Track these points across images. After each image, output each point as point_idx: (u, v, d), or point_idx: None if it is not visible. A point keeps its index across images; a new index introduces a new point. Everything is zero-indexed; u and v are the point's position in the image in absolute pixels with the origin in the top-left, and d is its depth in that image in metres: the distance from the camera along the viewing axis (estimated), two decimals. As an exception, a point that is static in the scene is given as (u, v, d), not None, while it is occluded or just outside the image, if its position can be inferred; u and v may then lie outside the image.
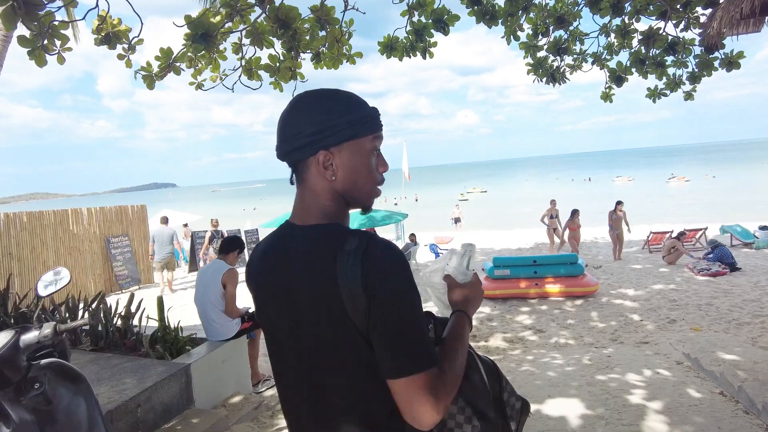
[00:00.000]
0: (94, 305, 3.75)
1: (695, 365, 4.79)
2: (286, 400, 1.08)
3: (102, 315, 3.69)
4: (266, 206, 59.19)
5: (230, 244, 3.92)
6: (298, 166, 1.05)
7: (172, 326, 3.69)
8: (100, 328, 3.67)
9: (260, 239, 11.72)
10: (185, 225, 13.32)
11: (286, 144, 1.03)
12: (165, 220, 11.52)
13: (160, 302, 3.76)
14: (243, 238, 15.45)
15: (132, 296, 3.99)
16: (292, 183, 1.09)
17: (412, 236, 12.86)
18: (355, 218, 11.19)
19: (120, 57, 4.72)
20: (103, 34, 4.61)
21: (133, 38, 4.65)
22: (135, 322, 4.00)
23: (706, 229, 12.86)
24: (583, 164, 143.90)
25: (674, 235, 11.48)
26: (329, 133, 0.99)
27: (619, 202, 12.12)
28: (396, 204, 48.64)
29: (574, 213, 12.45)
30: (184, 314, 8.47)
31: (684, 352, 5.26)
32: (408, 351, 0.89)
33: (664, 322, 7.11)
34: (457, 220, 20.75)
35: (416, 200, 51.91)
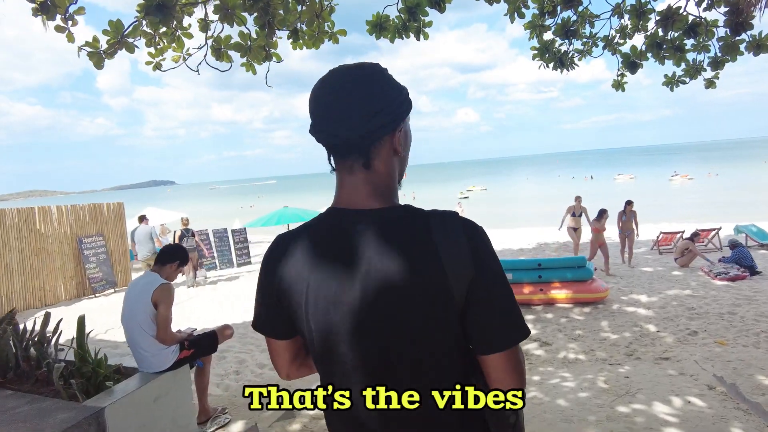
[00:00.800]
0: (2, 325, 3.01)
1: (733, 393, 4.06)
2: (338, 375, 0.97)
3: (12, 339, 2.96)
4: (264, 204, 58.41)
5: (168, 255, 3.14)
6: (370, 149, 0.96)
7: (93, 353, 2.95)
8: (9, 356, 2.93)
9: (248, 238, 10.75)
10: (162, 225, 12.60)
11: (360, 126, 0.92)
12: (143, 219, 10.82)
13: (81, 323, 3.01)
14: (230, 238, 14.78)
15: (48, 315, 3.24)
16: (333, 170, 1.01)
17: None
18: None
19: (59, 29, 4.00)
20: (39, 2, 3.87)
21: (70, 4, 3.93)
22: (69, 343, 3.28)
23: (719, 229, 12.13)
24: (583, 162, 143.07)
25: (687, 235, 10.76)
26: (404, 108, 0.97)
27: (629, 202, 11.17)
28: (394, 202, 47.78)
29: (602, 213, 10.87)
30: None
31: (715, 373, 4.53)
32: (517, 323, 0.93)
33: (684, 334, 6.38)
34: None
35: (413, 198, 51.21)
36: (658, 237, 12.51)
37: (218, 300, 10.10)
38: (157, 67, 5.01)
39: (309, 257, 0.95)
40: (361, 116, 0.91)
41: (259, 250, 17.72)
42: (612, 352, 5.94)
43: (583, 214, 12.07)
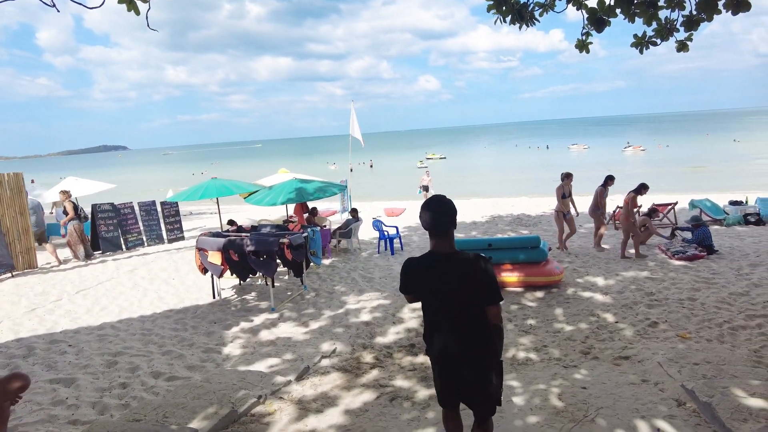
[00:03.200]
0: None
1: (708, 415, 3.38)
2: (433, 319, 2.63)
3: None
4: (217, 170, 55.71)
5: None
6: (449, 229, 2.55)
7: None
8: None
9: (179, 211, 9.48)
10: (63, 192, 11.17)
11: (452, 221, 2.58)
12: (30, 191, 9.54)
13: None
14: (159, 210, 13.37)
15: None
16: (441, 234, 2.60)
17: (354, 211, 11.16)
18: (283, 191, 9.37)
19: None
20: None
21: None
22: None
23: (675, 203, 11.78)
24: (541, 132, 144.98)
25: (644, 211, 10.28)
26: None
27: (610, 177, 9.67)
28: (351, 170, 46.65)
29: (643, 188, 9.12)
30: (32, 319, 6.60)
31: (684, 384, 3.87)
32: (497, 296, 2.44)
33: (643, 326, 5.78)
34: (425, 188, 18.53)
35: (371, 167, 50.05)
36: (614, 211, 12.08)
37: (143, 284, 8.89)
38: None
39: (426, 267, 2.56)
40: (453, 216, 2.58)
41: (192, 224, 16.33)
42: (567, 350, 5.26)
43: (569, 195, 9.82)
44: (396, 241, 11.01)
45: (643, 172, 29.65)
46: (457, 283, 2.46)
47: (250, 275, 7.29)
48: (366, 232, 12.30)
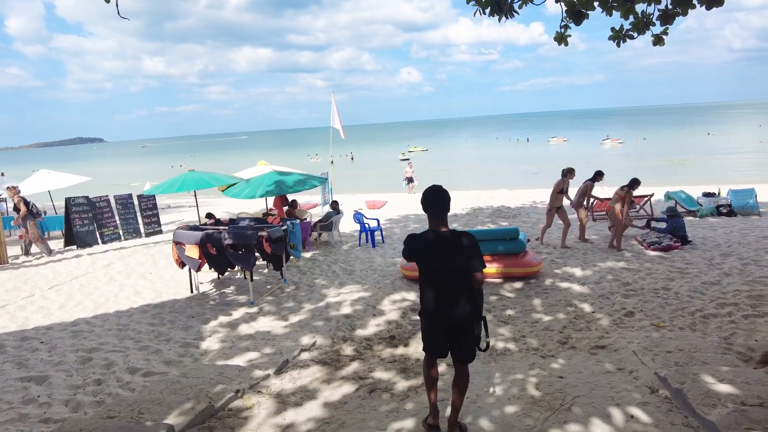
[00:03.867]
0: None
1: (679, 401, 3.46)
2: (433, 283, 3.16)
3: None
4: (196, 162, 54.87)
5: None
6: (444, 212, 3.22)
7: None
8: None
9: (157, 204, 9.40)
10: (11, 188, 10.82)
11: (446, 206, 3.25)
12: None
13: None
14: (135, 203, 13.12)
15: None
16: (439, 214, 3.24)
17: (335, 204, 11.10)
18: (261, 184, 9.27)
19: None
20: None
21: None
22: None
23: (651, 195, 12.01)
24: (521, 125, 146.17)
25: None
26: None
27: (599, 173, 9.59)
28: (332, 162, 46.33)
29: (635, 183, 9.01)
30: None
31: (657, 372, 3.95)
32: (480, 266, 3.10)
33: (620, 315, 5.89)
34: (409, 180, 18.38)
35: (352, 159, 49.85)
36: (592, 203, 12.23)
37: (119, 278, 8.72)
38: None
39: (431, 241, 3.17)
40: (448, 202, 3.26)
41: (170, 217, 16.05)
42: (544, 339, 5.33)
43: (566, 191, 9.50)
44: (377, 233, 11.01)
45: (623, 166, 30.17)
46: (457, 254, 3.07)
47: (229, 269, 7.21)
48: (347, 225, 12.26)
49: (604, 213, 12.01)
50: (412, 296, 7.02)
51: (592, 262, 8.25)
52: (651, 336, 5.15)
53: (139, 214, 13.12)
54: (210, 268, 7.17)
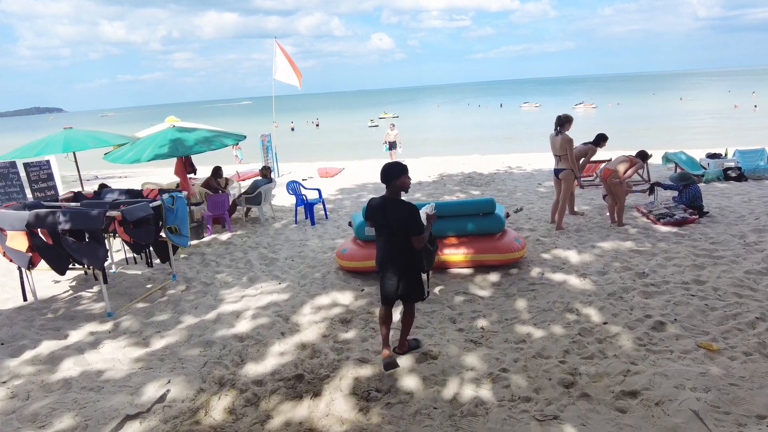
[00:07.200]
0: None
1: None
2: (378, 240, 3.71)
3: None
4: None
5: None
6: (388, 183, 3.59)
7: None
8: None
9: (53, 174, 7.15)
10: None
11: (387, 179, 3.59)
12: None
13: None
14: (22, 173, 10.50)
15: None
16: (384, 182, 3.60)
17: (265, 170, 8.79)
18: (152, 144, 6.92)
19: None
20: None
21: None
22: None
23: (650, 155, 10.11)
24: (493, 92, 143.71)
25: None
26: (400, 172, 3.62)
27: (603, 137, 7.64)
28: (293, 129, 43.40)
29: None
30: None
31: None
32: (419, 229, 3.48)
33: (645, 329, 3.94)
34: (392, 146, 15.60)
35: (317, 126, 46.89)
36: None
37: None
38: None
39: (381, 205, 3.61)
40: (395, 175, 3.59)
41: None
42: (540, 382, 3.33)
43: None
44: (319, 207, 8.83)
45: (602, 129, 28.45)
46: (398, 218, 3.51)
47: (72, 266, 4.94)
48: (285, 198, 10.01)
49: (592, 178, 10.11)
50: (347, 299, 4.92)
51: (590, 241, 6.28)
52: (708, 371, 3.21)
53: (28, 187, 10.54)
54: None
